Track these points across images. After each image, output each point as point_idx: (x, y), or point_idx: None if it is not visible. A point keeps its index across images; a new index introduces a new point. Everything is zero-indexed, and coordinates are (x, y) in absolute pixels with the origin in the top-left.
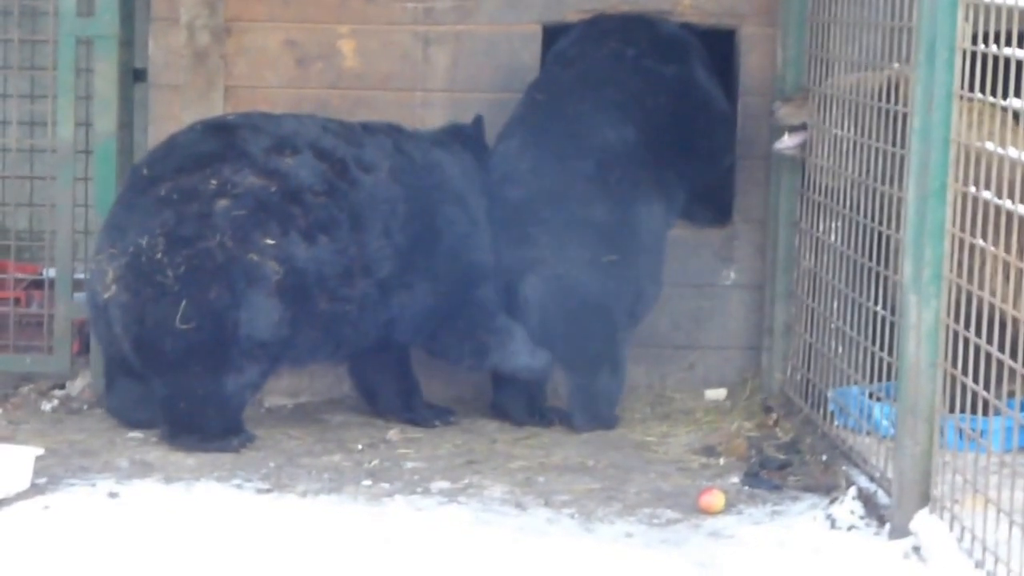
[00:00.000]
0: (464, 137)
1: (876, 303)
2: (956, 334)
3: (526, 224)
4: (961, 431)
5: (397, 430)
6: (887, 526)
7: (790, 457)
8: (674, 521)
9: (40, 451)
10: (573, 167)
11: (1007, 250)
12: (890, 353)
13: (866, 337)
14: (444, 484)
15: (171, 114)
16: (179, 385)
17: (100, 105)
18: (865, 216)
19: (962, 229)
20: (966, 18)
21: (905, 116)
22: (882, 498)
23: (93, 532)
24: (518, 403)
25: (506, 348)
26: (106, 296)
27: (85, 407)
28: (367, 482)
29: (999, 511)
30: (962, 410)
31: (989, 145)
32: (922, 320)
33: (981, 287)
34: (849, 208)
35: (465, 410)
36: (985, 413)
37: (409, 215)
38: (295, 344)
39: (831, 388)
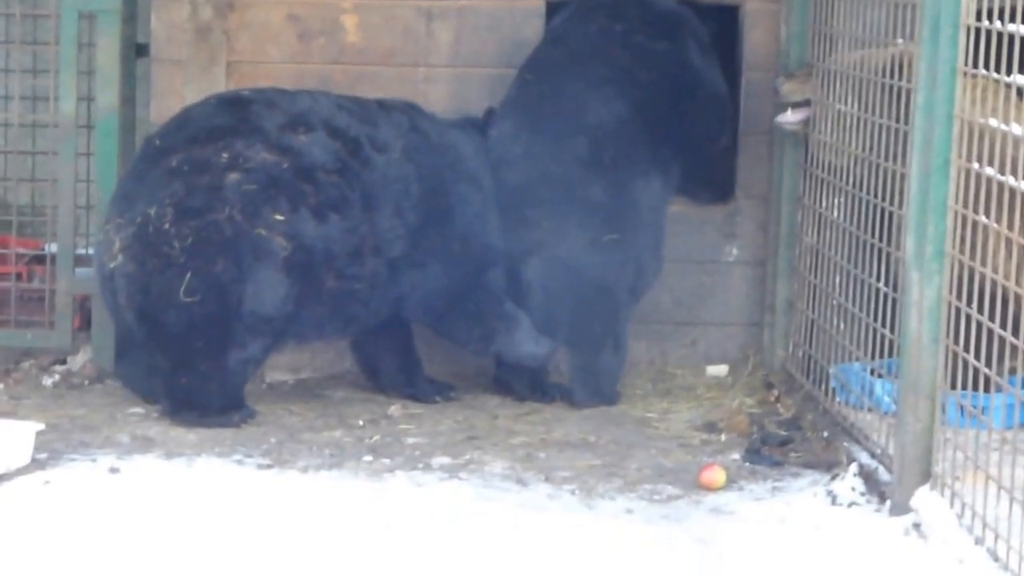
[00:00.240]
0: (478, 126)
1: (878, 279)
2: (958, 311)
3: (523, 207)
4: (963, 408)
5: (398, 406)
6: (888, 503)
7: (791, 433)
8: (675, 497)
9: (41, 426)
10: (566, 147)
11: (1010, 227)
12: (892, 330)
13: (868, 313)
14: (445, 460)
15: (173, 89)
16: (181, 359)
17: (102, 80)
18: (868, 192)
19: (965, 206)
20: None
21: (909, 92)
22: (883, 475)
23: (94, 507)
24: (520, 378)
25: (513, 336)
26: (112, 266)
27: (86, 382)
28: (368, 458)
29: (1000, 488)
30: (964, 387)
31: (993, 122)
32: (924, 297)
33: (984, 264)
34: (852, 184)
35: (466, 386)
36: (987, 390)
37: (422, 194)
38: (301, 320)
39: (833, 364)
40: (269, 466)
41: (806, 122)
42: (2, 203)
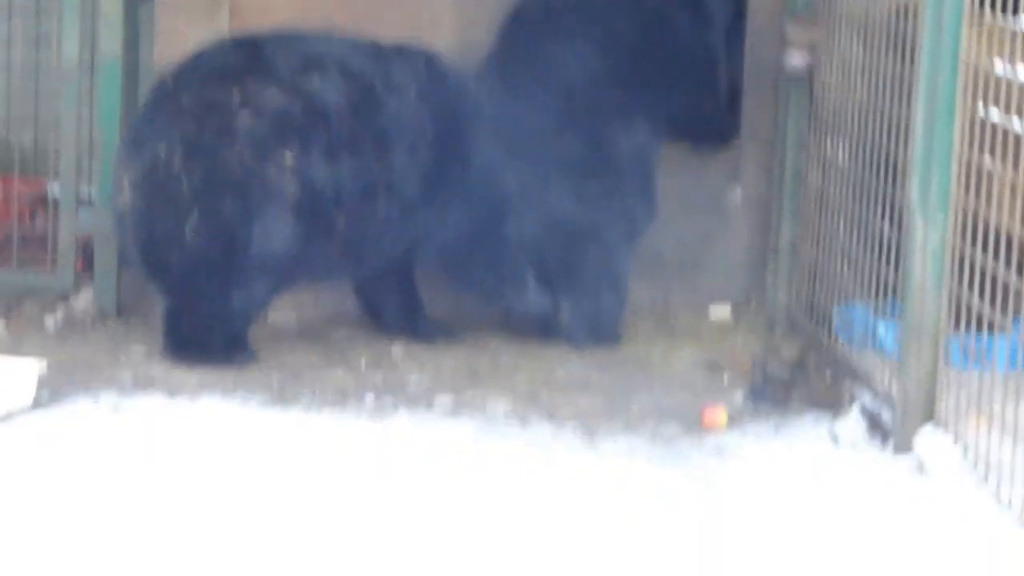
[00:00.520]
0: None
1: (882, 222)
2: (963, 254)
3: (509, 162)
4: (966, 350)
5: (400, 346)
6: (891, 443)
7: (795, 374)
8: (677, 437)
9: (43, 366)
10: (544, 98)
11: (1015, 172)
12: (895, 272)
13: (872, 256)
14: (447, 399)
15: (176, 31)
16: (186, 299)
17: (106, 23)
18: (873, 137)
19: (970, 150)
20: None
21: (915, 37)
22: (886, 415)
23: (95, 446)
24: (530, 325)
25: (525, 286)
26: (122, 205)
27: (88, 323)
28: (370, 397)
29: (1003, 429)
30: (967, 329)
31: (998, 67)
32: (928, 241)
33: (988, 209)
34: (857, 129)
35: (468, 325)
36: (990, 332)
37: (436, 138)
38: (313, 261)
39: (836, 306)
40: (272, 405)
41: (812, 66)
42: (5, 144)
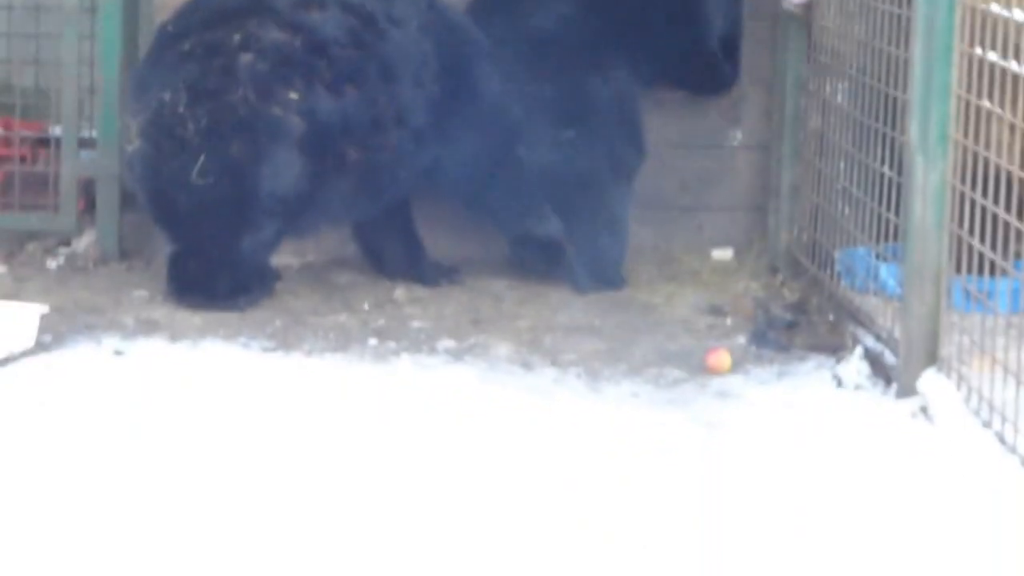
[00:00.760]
0: None
1: (883, 164)
2: (963, 195)
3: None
4: (968, 292)
5: (403, 290)
6: (894, 386)
7: (797, 317)
8: (680, 381)
9: (45, 309)
10: (521, 44)
11: (1013, 111)
12: (897, 214)
13: (873, 198)
14: (450, 343)
15: None
16: (191, 242)
17: None
18: (872, 78)
19: (968, 90)
20: None
21: None
22: (889, 358)
23: (97, 389)
24: (539, 257)
25: (543, 208)
26: (130, 151)
27: (90, 265)
28: (373, 341)
29: (1006, 371)
30: (969, 271)
31: (995, 6)
32: (928, 182)
33: (987, 148)
34: (856, 69)
35: (471, 269)
36: (992, 274)
37: (442, 68)
38: (326, 200)
39: (838, 248)
40: (274, 349)
41: (810, 6)
42: (6, 86)
